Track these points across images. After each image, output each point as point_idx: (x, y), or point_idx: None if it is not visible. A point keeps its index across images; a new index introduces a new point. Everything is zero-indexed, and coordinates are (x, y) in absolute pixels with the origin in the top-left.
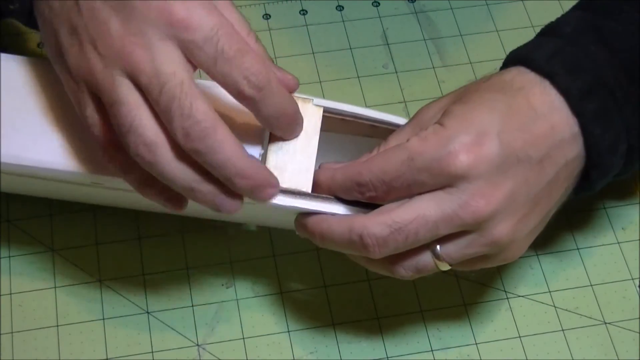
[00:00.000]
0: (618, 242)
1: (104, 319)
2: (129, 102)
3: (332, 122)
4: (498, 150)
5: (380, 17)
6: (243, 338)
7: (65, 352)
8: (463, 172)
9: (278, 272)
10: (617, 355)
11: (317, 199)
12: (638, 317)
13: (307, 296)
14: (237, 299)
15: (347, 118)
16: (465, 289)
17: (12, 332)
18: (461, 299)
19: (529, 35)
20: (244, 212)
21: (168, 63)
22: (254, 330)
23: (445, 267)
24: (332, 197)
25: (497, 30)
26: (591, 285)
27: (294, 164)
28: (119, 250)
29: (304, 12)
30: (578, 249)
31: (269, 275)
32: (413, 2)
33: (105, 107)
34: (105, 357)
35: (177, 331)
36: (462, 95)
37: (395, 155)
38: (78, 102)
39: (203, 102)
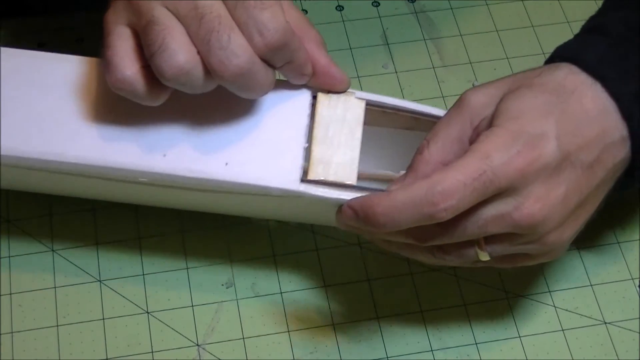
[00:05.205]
0: (618, 242)
1: (104, 319)
2: (163, 22)
3: (373, 115)
4: (555, 154)
5: (380, 17)
6: (243, 338)
7: (65, 352)
8: (522, 175)
9: (278, 272)
10: (617, 355)
11: (362, 190)
12: (638, 317)
13: (307, 296)
14: (237, 299)
15: (388, 110)
16: (465, 289)
17: (12, 332)
18: (461, 299)
19: (529, 35)
20: (282, 207)
21: None
22: (254, 330)
23: (485, 257)
24: (378, 189)
25: (497, 30)
26: (591, 285)
27: (338, 156)
28: (119, 250)
29: (304, 12)
30: (578, 249)
31: (269, 275)
32: (413, 2)
33: (140, 34)
34: (105, 357)
35: (177, 331)
36: (515, 91)
37: (473, 160)
38: (109, 32)
39: (241, 36)
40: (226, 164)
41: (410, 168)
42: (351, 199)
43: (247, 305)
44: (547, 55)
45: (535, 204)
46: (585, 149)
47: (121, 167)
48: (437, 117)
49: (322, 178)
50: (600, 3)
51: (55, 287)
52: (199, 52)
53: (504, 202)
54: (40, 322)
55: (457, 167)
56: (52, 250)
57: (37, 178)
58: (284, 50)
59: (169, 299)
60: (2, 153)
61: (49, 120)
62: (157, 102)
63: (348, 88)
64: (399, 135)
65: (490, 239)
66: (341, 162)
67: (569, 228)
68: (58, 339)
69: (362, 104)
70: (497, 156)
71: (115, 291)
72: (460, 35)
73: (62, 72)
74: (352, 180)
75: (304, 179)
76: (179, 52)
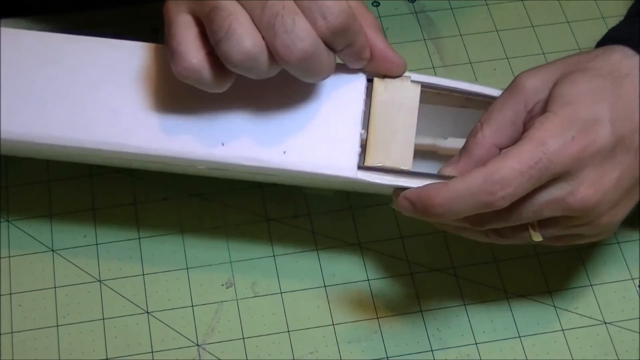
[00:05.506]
0: (618, 242)
1: (104, 319)
2: (228, 8)
3: (427, 95)
4: (609, 139)
5: (380, 17)
6: (243, 338)
7: (65, 352)
8: (576, 160)
9: (278, 272)
10: (617, 355)
11: (417, 176)
12: (638, 317)
13: (306, 296)
14: (237, 299)
15: (443, 92)
16: (465, 289)
17: (12, 332)
18: (461, 299)
19: (529, 35)
20: (336, 185)
21: None
22: (254, 330)
23: (538, 238)
24: (434, 174)
25: (497, 30)
26: (591, 285)
27: (394, 141)
28: (119, 250)
29: None
30: (578, 249)
31: (269, 275)
32: (413, 2)
33: (203, 20)
34: (105, 357)
35: (177, 331)
36: (568, 76)
37: (529, 148)
38: (171, 21)
39: (305, 20)
40: (284, 152)
41: (463, 150)
42: (407, 191)
43: (247, 305)
44: (548, 55)
45: (589, 189)
46: (638, 132)
47: (180, 156)
48: (491, 97)
49: (378, 164)
50: (599, 4)
51: (55, 287)
52: (263, 37)
53: (559, 187)
54: (40, 322)
55: (513, 155)
56: (52, 250)
57: (77, 157)
58: (346, 33)
59: (169, 299)
60: (62, 143)
61: (107, 108)
62: (223, 88)
63: (404, 72)
64: (452, 112)
65: (544, 222)
66: (397, 147)
67: (621, 210)
68: (58, 339)
69: (418, 88)
70: (552, 143)
71: (115, 291)
72: (460, 35)
73: (121, 59)
74: (407, 165)
75: (361, 166)
76: (245, 38)
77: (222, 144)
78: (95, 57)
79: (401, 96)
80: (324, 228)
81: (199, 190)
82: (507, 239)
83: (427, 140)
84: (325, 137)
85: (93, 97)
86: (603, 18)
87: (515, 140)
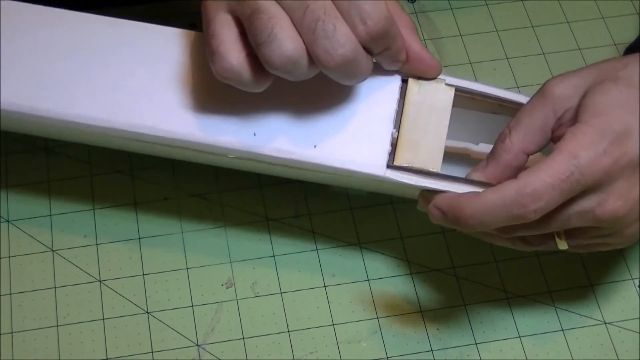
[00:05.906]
0: None
1: (104, 319)
2: (270, 11)
3: (459, 99)
4: (638, 151)
5: None
6: (243, 338)
7: (65, 352)
8: (607, 173)
9: (278, 272)
10: (617, 355)
11: (446, 179)
12: (638, 317)
13: (306, 296)
14: (237, 299)
15: (476, 97)
16: (465, 289)
17: (12, 332)
18: (461, 299)
19: (529, 35)
20: (363, 183)
21: None
22: (254, 330)
23: (564, 246)
24: (461, 178)
25: (497, 30)
26: (591, 285)
27: (424, 143)
28: (119, 250)
29: None
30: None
31: (269, 275)
32: (413, 2)
33: (244, 22)
34: (105, 357)
35: (177, 331)
36: (600, 85)
37: (561, 161)
38: (211, 20)
39: (345, 25)
40: (315, 146)
41: (491, 156)
42: (438, 199)
43: (247, 305)
44: (548, 55)
45: (618, 201)
46: None
47: (211, 143)
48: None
49: (407, 164)
50: (599, 4)
51: (55, 287)
52: (303, 40)
53: (588, 198)
54: (40, 322)
55: (545, 168)
56: (52, 250)
57: (91, 137)
58: (385, 38)
59: (169, 299)
60: (95, 124)
61: (142, 92)
62: (261, 88)
63: (439, 74)
64: (484, 118)
65: (570, 231)
66: (427, 149)
67: None
68: (58, 339)
69: (452, 91)
70: (584, 155)
71: (115, 291)
72: (460, 35)
73: (159, 44)
74: (436, 167)
75: (390, 165)
76: (287, 42)
77: (254, 134)
78: (133, 40)
79: (434, 98)
80: (324, 228)
81: (199, 190)
82: (533, 246)
83: (459, 144)
84: (356, 135)
85: (128, 80)
86: (603, 18)
87: (543, 146)
